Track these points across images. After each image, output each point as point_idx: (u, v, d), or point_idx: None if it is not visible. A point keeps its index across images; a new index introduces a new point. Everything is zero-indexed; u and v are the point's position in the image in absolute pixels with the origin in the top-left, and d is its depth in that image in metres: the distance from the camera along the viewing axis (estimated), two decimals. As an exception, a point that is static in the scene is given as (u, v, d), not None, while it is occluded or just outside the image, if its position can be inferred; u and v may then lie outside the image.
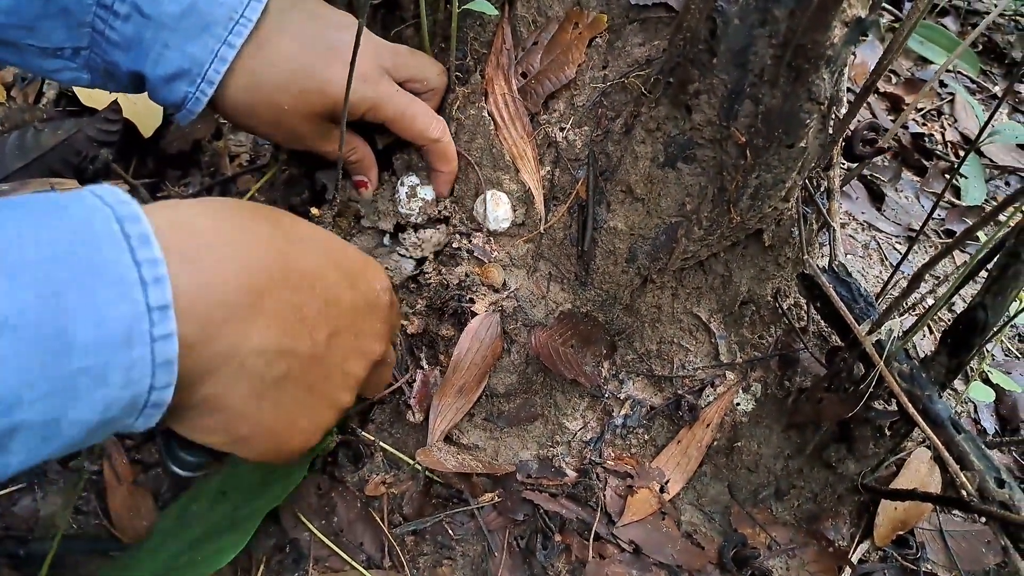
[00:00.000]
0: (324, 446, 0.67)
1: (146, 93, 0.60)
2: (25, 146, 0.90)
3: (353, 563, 0.70)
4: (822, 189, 0.79)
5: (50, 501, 0.72)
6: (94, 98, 0.98)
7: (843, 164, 0.83)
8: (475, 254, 0.74)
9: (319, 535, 0.71)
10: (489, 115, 0.73)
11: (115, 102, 0.93)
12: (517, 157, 0.73)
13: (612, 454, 0.75)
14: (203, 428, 0.43)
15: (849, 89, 0.75)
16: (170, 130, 0.99)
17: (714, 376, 0.77)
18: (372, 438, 0.75)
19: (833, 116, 0.63)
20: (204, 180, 0.97)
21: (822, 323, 0.78)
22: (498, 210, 0.73)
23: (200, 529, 0.61)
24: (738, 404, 0.76)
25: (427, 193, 0.74)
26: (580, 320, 0.75)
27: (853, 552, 0.71)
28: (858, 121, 0.85)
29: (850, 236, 1.07)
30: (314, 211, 0.77)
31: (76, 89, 1.00)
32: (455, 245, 0.74)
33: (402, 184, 0.74)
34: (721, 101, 0.62)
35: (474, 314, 0.72)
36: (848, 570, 0.70)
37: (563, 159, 0.73)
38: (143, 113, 0.96)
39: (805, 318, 0.78)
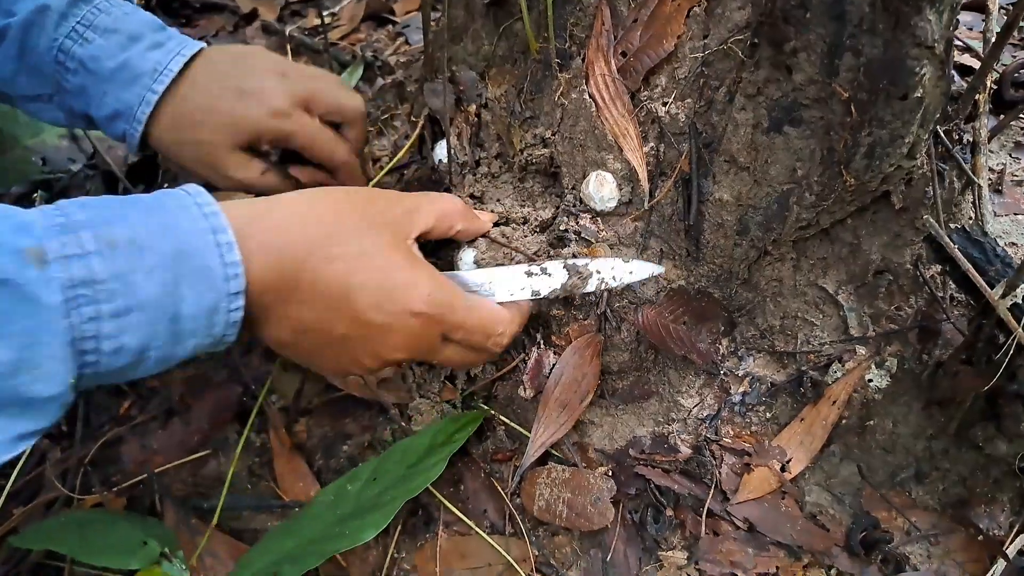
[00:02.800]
0: (458, 447, 0.73)
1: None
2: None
3: (477, 529, 0.75)
4: (964, 142, 0.71)
5: (231, 463, 0.84)
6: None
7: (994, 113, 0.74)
8: (583, 235, 0.76)
9: (446, 503, 0.77)
10: (590, 97, 0.74)
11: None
12: (619, 136, 0.74)
13: (731, 432, 0.74)
14: (272, 346, 0.58)
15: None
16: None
17: (842, 351, 0.72)
18: (493, 412, 0.79)
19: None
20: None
21: (971, 291, 0.71)
22: (603, 190, 0.74)
23: (351, 507, 0.69)
24: (870, 380, 0.71)
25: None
26: (693, 297, 0.74)
27: (1010, 543, 0.64)
28: (1001, 65, 0.76)
29: (1027, 194, 0.94)
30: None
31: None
32: (563, 227, 0.76)
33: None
34: (821, 57, 0.59)
35: (582, 292, 0.73)
36: (1002, 562, 0.63)
37: (667, 134, 0.73)
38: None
39: (951, 286, 0.71)
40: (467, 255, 0.73)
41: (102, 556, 0.65)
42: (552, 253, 0.73)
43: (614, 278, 0.66)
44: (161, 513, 0.78)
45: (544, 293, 0.66)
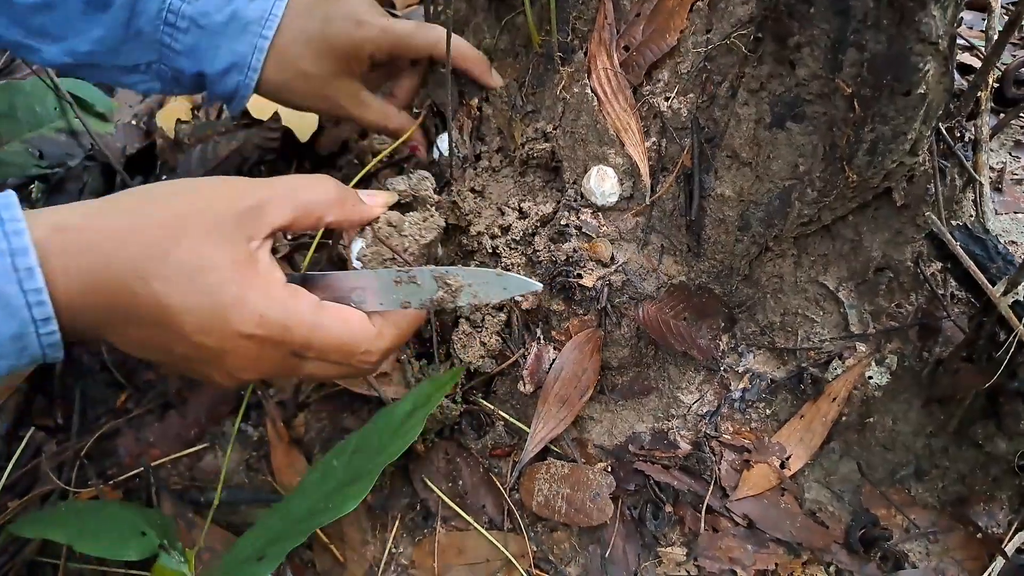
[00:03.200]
0: (435, 406, 0.71)
1: (206, 92, 0.75)
2: (206, 156, 1.05)
3: (476, 525, 0.75)
4: (966, 140, 0.71)
5: (228, 458, 0.84)
6: (261, 111, 1.12)
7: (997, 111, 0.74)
8: (583, 230, 0.75)
9: (444, 498, 0.77)
10: (592, 91, 0.74)
11: (276, 113, 1.05)
12: (621, 130, 0.73)
13: (730, 428, 0.74)
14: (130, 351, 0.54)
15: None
16: (323, 134, 1.09)
17: (842, 348, 0.72)
18: (493, 408, 0.79)
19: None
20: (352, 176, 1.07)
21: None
22: (604, 185, 0.74)
23: (335, 481, 0.68)
24: (870, 377, 0.71)
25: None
26: (694, 292, 0.74)
27: (1009, 541, 0.64)
28: (1002, 64, 0.75)
29: (1027, 193, 0.94)
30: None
31: (248, 105, 1.14)
32: (564, 222, 0.76)
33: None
34: (824, 52, 0.59)
35: (582, 287, 0.73)
36: (1001, 560, 0.63)
37: (669, 129, 0.73)
38: (299, 122, 1.08)
39: (952, 284, 0.71)
40: (356, 247, 0.62)
41: (99, 545, 0.64)
42: (434, 255, 0.63)
43: (488, 294, 0.57)
44: (158, 507, 0.78)
45: (414, 305, 0.57)
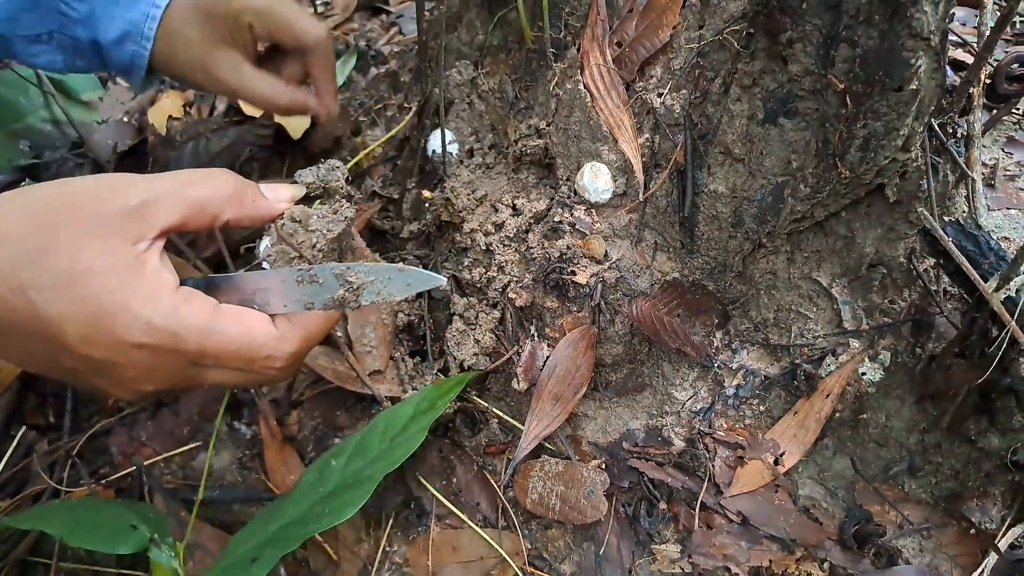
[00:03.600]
0: (439, 414, 0.71)
1: (106, 68, 0.76)
2: (198, 153, 1.05)
3: (470, 522, 0.75)
4: (958, 136, 0.71)
5: (221, 457, 0.83)
6: (252, 108, 1.11)
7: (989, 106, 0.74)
8: (577, 227, 0.75)
9: (439, 496, 0.76)
10: (585, 87, 0.74)
11: (268, 111, 1.05)
12: (614, 127, 0.73)
13: (724, 424, 0.73)
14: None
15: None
16: (315, 131, 1.09)
17: (836, 344, 0.72)
18: (487, 405, 0.79)
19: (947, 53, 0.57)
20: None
21: (964, 284, 0.71)
22: (598, 181, 0.74)
23: (333, 484, 0.68)
24: (863, 374, 0.71)
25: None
26: (687, 289, 0.74)
27: (1002, 536, 0.64)
28: (994, 59, 0.75)
29: (1021, 189, 0.94)
30: (426, 194, 0.82)
31: (240, 101, 1.14)
32: (557, 219, 0.76)
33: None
34: (817, 48, 0.59)
35: (575, 284, 0.73)
36: (994, 556, 0.63)
37: (662, 125, 0.72)
38: (292, 120, 1.08)
39: (945, 279, 0.71)
40: (262, 245, 0.58)
41: (91, 539, 0.64)
42: (321, 249, 0.57)
43: (392, 291, 0.54)
44: (151, 503, 0.78)
45: (317, 306, 0.53)
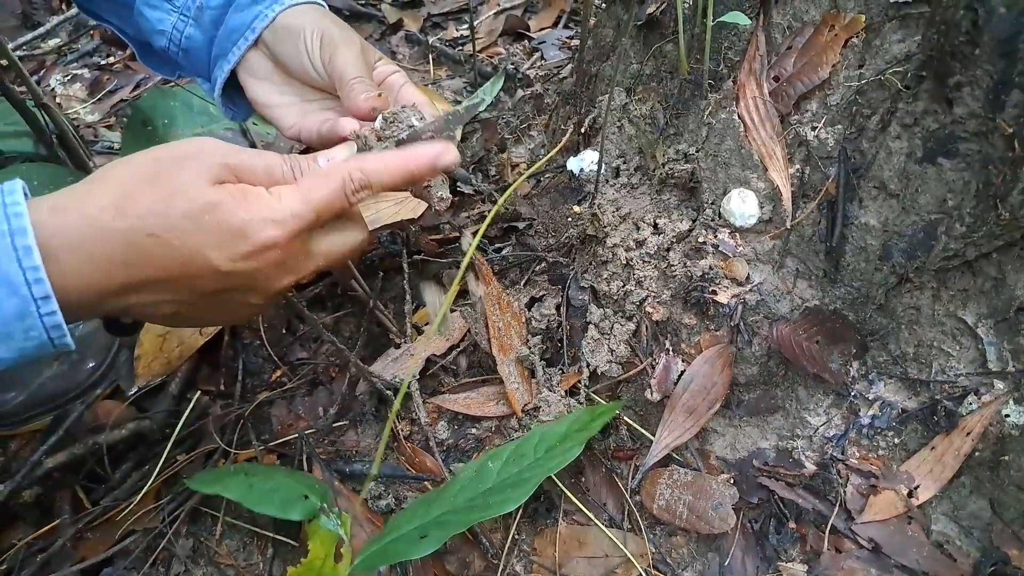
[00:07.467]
0: (593, 434, 0.76)
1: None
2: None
3: (596, 521, 0.79)
4: None
5: (366, 435, 0.91)
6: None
7: None
8: (720, 248, 0.79)
9: (568, 493, 0.81)
10: (739, 118, 0.77)
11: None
12: (765, 156, 0.76)
13: (857, 453, 0.75)
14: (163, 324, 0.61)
15: None
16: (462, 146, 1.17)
17: (979, 384, 0.72)
18: (617, 411, 0.83)
19: None
20: (490, 186, 1.14)
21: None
22: (745, 207, 0.77)
23: (491, 483, 0.73)
24: (1007, 415, 0.70)
25: None
26: (827, 317, 0.76)
27: None
28: None
29: None
30: (576, 209, 0.88)
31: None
32: (700, 239, 0.79)
33: None
34: (986, 93, 0.60)
35: (716, 303, 0.77)
36: None
37: (814, 157, 0.75)
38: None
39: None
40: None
41: (267, 505, 0.72)
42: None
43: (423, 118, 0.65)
44: (310, 473, 0.86)
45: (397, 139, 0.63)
